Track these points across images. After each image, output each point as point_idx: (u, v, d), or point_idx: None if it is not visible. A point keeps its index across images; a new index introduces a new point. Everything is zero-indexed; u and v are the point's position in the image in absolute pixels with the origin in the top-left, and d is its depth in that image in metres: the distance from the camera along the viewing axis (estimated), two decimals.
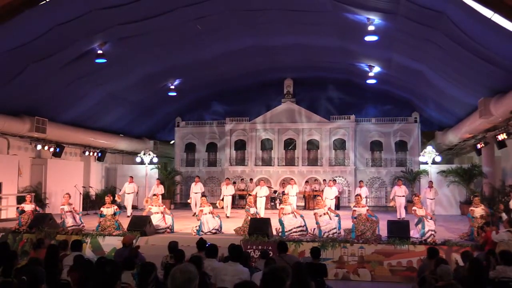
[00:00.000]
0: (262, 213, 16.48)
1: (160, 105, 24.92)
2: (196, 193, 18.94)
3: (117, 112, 23.09)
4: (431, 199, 17.20)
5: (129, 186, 18.69)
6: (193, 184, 19.53)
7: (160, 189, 18.50)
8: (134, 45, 16.64)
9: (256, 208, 15.15)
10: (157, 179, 19.86)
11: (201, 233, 12.44)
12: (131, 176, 19.25)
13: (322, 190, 19.72)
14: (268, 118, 26.12)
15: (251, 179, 24.57)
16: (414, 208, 12.06)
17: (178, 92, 22.55)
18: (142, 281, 5.31)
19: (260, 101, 26.48)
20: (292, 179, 20.20)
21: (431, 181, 18.13)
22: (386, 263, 10.79)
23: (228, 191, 18.42)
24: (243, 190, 23.34)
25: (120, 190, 19.22)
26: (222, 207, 17.43)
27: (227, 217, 17.35)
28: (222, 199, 17.83)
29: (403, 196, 17.39)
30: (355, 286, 10.55)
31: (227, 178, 20.80)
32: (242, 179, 25.08)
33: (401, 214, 17.16)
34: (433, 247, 8.70)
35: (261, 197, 17.77)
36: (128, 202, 18.57)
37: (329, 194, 18.06)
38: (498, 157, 19.11)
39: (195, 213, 16.77)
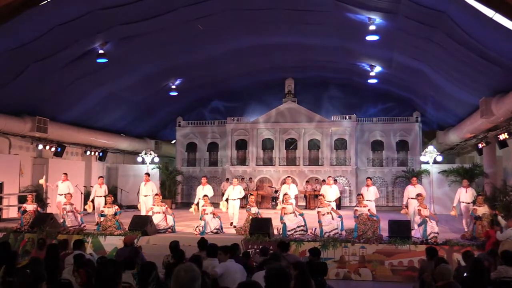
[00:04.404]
0: (236, 221, 14.04)
1: (161, 105, 24.94)
2: (145, 196, 14.76)
3: (118, 112, 23.10)
4: (468, 203, 13.33)
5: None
6: (142, 185, 15.10)
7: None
8: (135, 45, 16.64)
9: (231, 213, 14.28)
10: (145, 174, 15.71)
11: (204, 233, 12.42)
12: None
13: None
14: (269, 118, 26.14)
15: (250, 179, 24.58)
16: (418, 207, 11.99)
17: (179, 92, 22.56)
18: (142, 280, 5.31)
19: (261, 100, 26.52)
20: (288, 177, 16.79)
21: (466, 179, 15.02)
22: (387, 263, 10.80)
23: (204, 193, 14.14)
24: (243, 189, 23.18)
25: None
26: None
27: None
28: (197, 204, 14.28)
29: None
30: (356, 286, 10.56)
31: (204, 176, 16.38)
32: (243, 179, 25.05)
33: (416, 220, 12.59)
34: (432, 247, 8.67)
35: (234, 199, 14.49)
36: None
37: (329, 195, 13.95)
38: (500, 157, 19.05)
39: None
